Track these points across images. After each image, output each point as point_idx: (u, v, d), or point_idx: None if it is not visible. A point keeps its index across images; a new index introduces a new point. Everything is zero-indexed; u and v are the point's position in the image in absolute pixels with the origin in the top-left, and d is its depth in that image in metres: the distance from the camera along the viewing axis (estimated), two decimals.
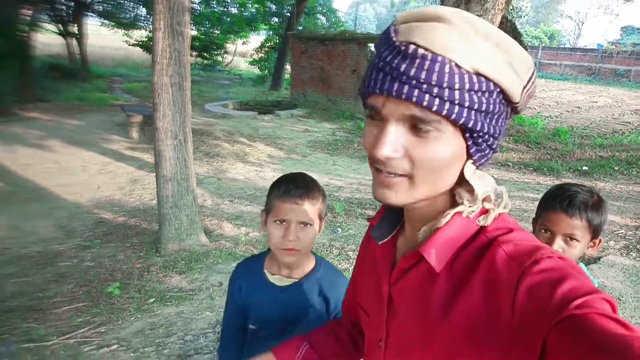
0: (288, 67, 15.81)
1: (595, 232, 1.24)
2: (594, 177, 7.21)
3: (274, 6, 19.35)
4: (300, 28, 16.37)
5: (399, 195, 0.59)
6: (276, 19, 20.00)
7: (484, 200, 0.62)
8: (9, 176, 5.73)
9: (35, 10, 11.68)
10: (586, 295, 0.48)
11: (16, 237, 4.13)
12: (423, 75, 0.51)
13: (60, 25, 14.85)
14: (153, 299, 3.17)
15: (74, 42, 15.26)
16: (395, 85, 0.53)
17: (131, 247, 4.00)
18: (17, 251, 3.85)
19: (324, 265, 1.27)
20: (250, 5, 18.94)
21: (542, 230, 1.27)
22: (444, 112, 0.52)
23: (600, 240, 1.29)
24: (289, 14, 17.42)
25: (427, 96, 0.52)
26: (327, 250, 4.03)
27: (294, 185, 1.12)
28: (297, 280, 1.22)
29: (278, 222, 1.13)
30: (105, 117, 9.38)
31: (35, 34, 11.69)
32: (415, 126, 0.55)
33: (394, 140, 0.55)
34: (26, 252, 3.84)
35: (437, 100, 0.52)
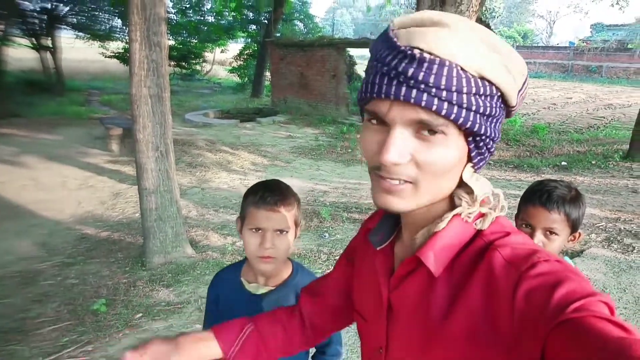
0: (268, 74, 15.80)
1: (574, 225, 1.26)
2: (572, 171, 7.37)
3: (251, 14, 19.36)
4: (278, 35, 16.39)
5: (403, 201, 0.58)
6: (254, 27, 20.00)
7: (481, 202, 0.62)
8: None
9: (6, 24, 11.43)
10: (583, 298, 0.48)
11: None
12: (432, 80, 0.51)
13: (33, 39, 14.54)
14: (140, 314, 3.12)
15: (48, 55, 14.97)
16: (403, 90, 0.52)
17: (116, 262, 3.93)
18: None
19: (301, 271, 1.26)
20: (227, 14, 18.91)
21: (523, 225, 1.29)
22: (452, 117, 0.53)
23: (580, 234, 1.32)
24: (266, 21, 17.42)
25: (435, 100, 0.52)
26: (315, 256, 4.03)
27: (269, 192, 1.11)
28: (273, 288, 1.21)
29: (254, 230, 1.12)
30: (83, 130, 9.20)
31: (7, 49, 11.44)
32: (421, 131, 0.55)
33: (401, 145, 0.54)
34: (4, 272, 3.73)
35: (445, 104, 0.52)
